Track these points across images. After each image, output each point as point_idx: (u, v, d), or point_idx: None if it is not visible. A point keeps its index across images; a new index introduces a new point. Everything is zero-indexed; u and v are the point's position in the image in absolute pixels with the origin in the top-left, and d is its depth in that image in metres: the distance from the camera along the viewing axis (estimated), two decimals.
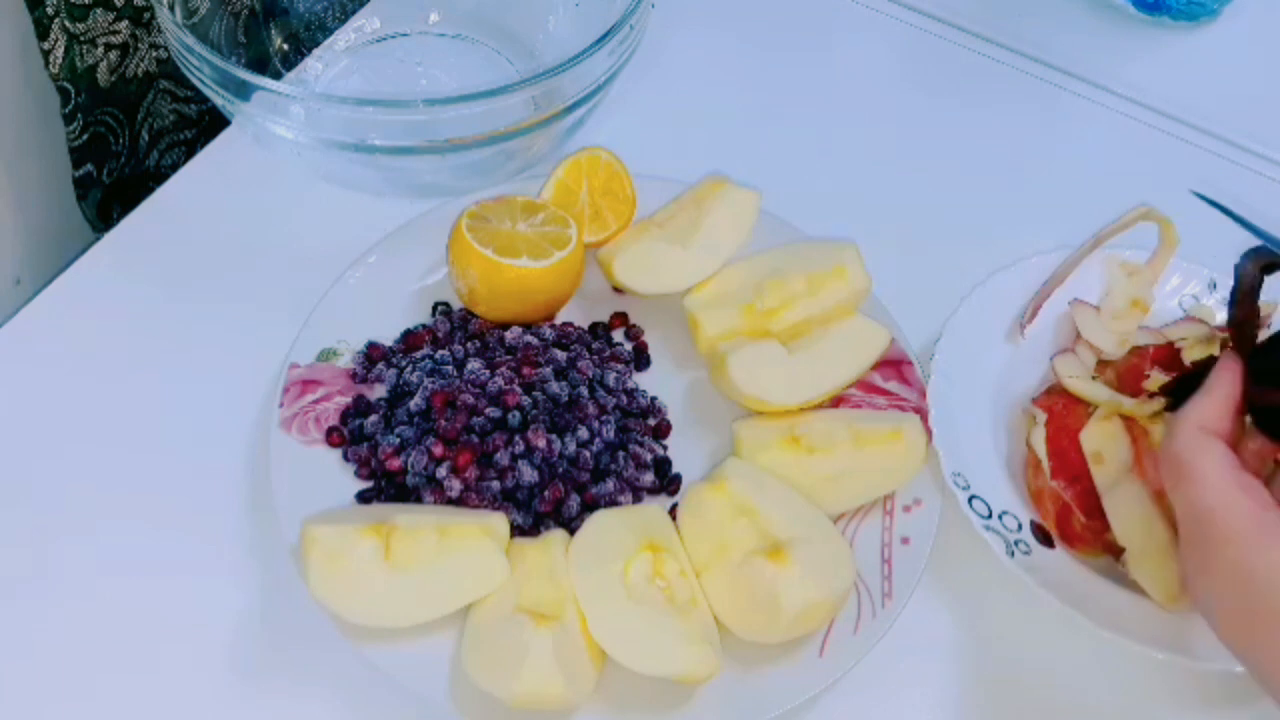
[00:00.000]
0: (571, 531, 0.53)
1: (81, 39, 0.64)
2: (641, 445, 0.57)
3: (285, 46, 0.75)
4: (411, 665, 0.49)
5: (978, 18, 0.81)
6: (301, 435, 0.56)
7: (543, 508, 0.54)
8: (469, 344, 0.59)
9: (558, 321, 0.62)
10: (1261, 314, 0.52)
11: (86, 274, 0.65)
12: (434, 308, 0.62)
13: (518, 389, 0.56)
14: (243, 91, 0.59)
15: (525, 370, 0.57)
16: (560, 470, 0.55)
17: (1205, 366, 0.57)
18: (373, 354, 0.59)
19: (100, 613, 0.53)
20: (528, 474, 0.54)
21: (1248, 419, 0.47)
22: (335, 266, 0.61)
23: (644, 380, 0.61)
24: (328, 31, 0.76)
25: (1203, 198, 0.57)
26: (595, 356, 0.59)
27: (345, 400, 0.58)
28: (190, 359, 0.62)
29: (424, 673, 0.49)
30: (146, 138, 0.74)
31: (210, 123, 0.78)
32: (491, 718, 0.49)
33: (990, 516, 0.54)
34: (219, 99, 0.61)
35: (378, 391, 0.59)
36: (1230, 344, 0.49)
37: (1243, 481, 0.43)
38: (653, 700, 0.49)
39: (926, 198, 0.70)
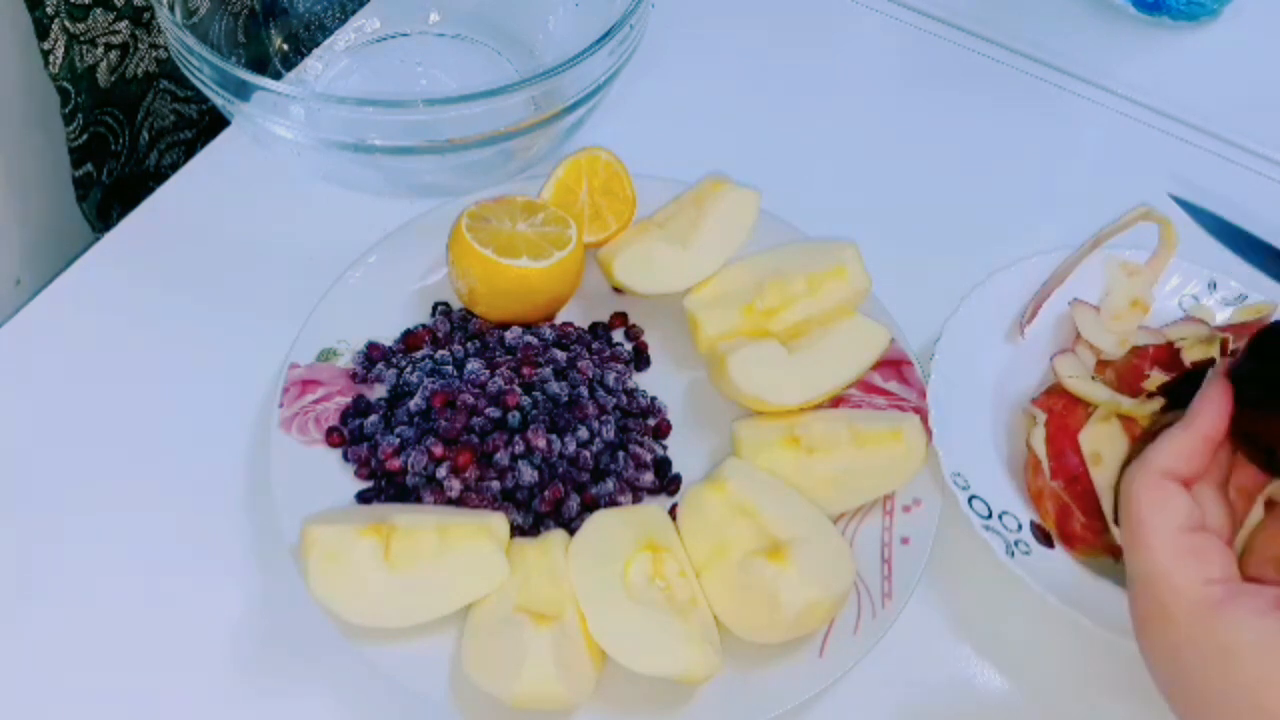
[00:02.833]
0: (571, 531, 0.53)
1: (81, 39, 0.64)
2: (641, 445, 0.57)
3: (285, 46, 0.75)
4: (411, 665, 0.49)
5: (977, 17, 0.81)
6: (301, 435, 0.56)
7: (543, 508, 0.54)
8: (469, 344, 0.59)
9: (558, 321, 0.62)
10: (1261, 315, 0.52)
11: (86, 274, 0.65)
12: (434, 308, 0.62)
13: (518, 389, 0.56)
14: (243, 91, 0.59)
15: (525, 370, 0.57)
16: (560, 470, 0.55)
17: (1205, 367, 0.57)
18: (373, 354, 0.59)
19: (100, 612, 0.53)
20: (528, 474, 0.54)
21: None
22: (335, 266, 0.61)
23: (644, 380, 0.61)
24: (328, 31, 0.76)
25: (1180, 201, 0.56)
26: (595, 356, 0.59)
27: (345, 400, 0.58)
28: (190, 359, 0.62)
29: (424, 673, 0.49)
30: (146, 138, 0.74)
31: (210, 123, 0.78)
32: (491, 718, 0.49)
33: (990, 516, 0.54)
34: (219, 99, 0.61)
35: (378, 391, 0.59)
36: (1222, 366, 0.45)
37: (1194, 546, 0.41)
38: (653, 700, 0.49)
39: (926, 198, 0.70)
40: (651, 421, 0.59)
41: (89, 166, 0.69)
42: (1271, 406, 0.43)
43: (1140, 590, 0.41)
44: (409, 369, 0.58)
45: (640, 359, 0.61)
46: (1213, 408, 0.43)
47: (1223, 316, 0.62)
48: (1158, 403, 0.56)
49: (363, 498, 0.55)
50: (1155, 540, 0.41)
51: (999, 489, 0.55)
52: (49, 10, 0.62)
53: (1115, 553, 0.54)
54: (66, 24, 0.63)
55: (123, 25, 0.67)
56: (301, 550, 0.50)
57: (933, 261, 0.65)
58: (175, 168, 0.71)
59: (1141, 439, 0.55)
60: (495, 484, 0.54)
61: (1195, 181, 0.72)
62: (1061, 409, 0.57)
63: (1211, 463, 0.43)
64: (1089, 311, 0.61)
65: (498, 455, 0.54)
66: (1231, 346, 0.58)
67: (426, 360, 0.58)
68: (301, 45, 0.76)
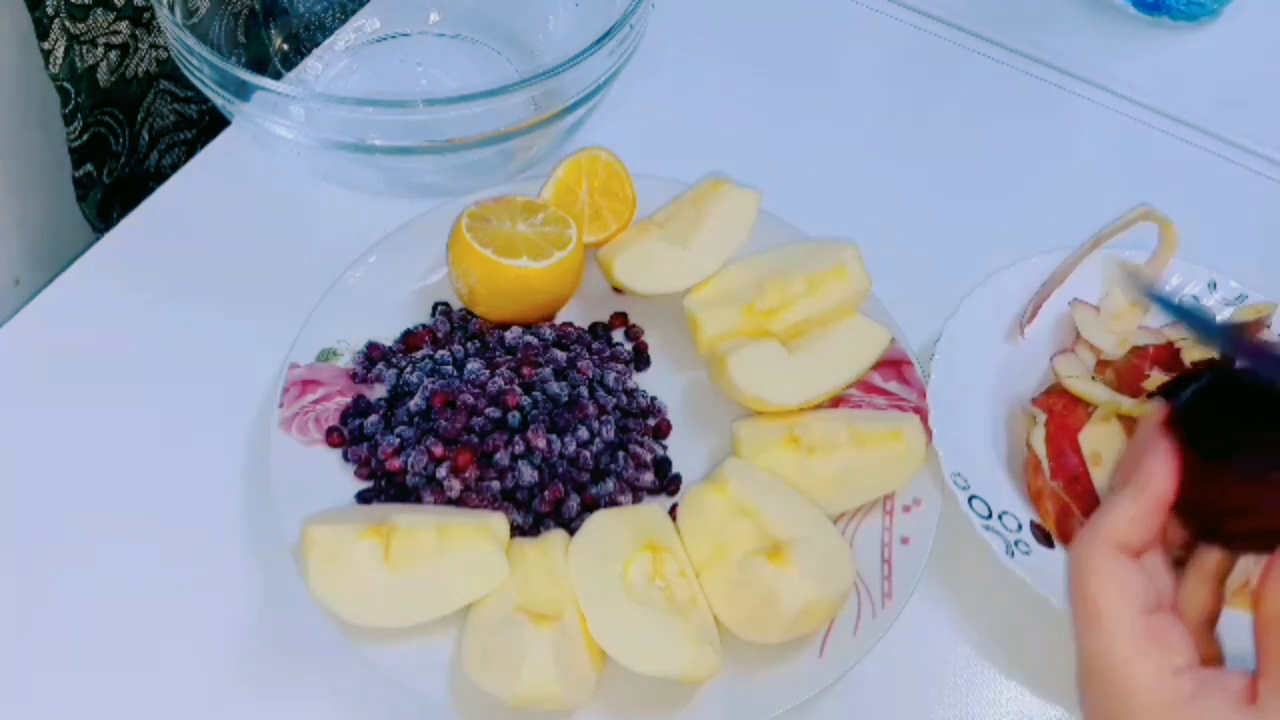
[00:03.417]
0: (571, 531, 0.53)
1: (81, 39, 0.64)
2: (641, 445, 0.57)
3: (285, 46, 0.75)
4: (411, 665, 0.49)
5: (978, 18, 0.81)
6: (301, 435, 0.56)
7: (543, 508, 0.54)
8: (469, 344, 0.59)
9: (558, 321, 0.62)
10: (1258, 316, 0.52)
11: (86, 274, 0.65)
12: (434, 308, 0.62)
13: (518, 389, 0.56)
14: (243, 91, 0.59)
15: (525, 370, 0.57)
16: (560, 470, 0.55)
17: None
18: (373, 354, 0.59)
19: (100, 612, 0.53)
20: (528, 474, 0.54)
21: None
22: (335, 266, 0.61)
23: (644, 380, 0.61)
24: (328, 31, 0.76)
25: (1158, 298, 0.57)
26: (595, 356, 0.59)
27: (345, 400, 0.58)
28: (190, 359, 0.62)
29: (424, 673, 0.49)
30: (146, 138, 0.74)
31: (210, 123, 0.78)
32: (491, 718, 0.49)
33: (990, 516, 0.54)
34: (219, 99, 0.61)
35: (378, 391, 0.59)
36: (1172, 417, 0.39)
37: (1154, 630, 0.37)
38: (653, 700, 0.49)
39: (926, 198, 0.71)
40: (651, 421, 0.59)
41: (89, 166, 0.69)
42: (1230, 459, 0.37)
43: (1095, 680, 0.38)
44: (409, 369, 0.58)
45: (640, 359, 0.61)
46: (1164, 467, 0.38)
47: (1223, 317, 0.62)
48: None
49: (363, 498, 0.55)
50: (1115, 626, 0.37)
51: (999, 489, 0.55)
52: (49, 10, 0.62)
53: None
54: (67, 24, 0.63)
55: (123, 25, 0.67)
56: (301, 550, 0.49)
57: (933, 261, 0.65)
58: (175, 168, 0.71)
59: None
60: (495, 484, 0.54)
61: (1195, 182, 0.72)
62: (1061, 409, 0.57)
63: (1159, 532, 0.39)
64: (1089, 311, 0.61)
65: (498, 455, 0.54)
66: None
67: (426, 360, 0.58)
68: (301, 45, 0.76)
